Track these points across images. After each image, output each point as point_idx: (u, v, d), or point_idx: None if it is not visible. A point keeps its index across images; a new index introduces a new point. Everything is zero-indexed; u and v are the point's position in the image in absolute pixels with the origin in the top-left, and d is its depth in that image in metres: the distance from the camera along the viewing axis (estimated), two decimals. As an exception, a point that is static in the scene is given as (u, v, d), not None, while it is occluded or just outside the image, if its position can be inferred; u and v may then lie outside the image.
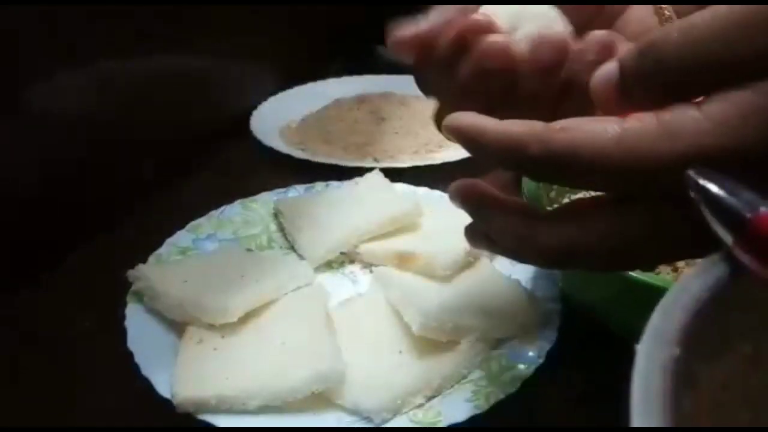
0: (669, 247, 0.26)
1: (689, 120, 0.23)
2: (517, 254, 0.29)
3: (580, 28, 0.32)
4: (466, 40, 0.30)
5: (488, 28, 0.30)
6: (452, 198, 0.31)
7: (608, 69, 0.26)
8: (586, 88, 0.28)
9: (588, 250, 0.27)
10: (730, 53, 0.23)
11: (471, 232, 0.32)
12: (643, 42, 0.25)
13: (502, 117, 0.28)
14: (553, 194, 0.48)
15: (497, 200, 0.30)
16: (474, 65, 0.30)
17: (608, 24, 0.37)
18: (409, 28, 0.30)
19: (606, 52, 0.29)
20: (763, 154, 0.23)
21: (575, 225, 0.27)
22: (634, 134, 0.24)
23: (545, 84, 0.30)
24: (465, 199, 0.30)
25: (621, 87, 0.25)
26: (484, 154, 0.28)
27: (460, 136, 0.28)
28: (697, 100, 0.24)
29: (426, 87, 0.33)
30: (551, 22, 0.31)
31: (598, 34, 0.29)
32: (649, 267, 0.40)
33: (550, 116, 0.29)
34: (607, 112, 0.26)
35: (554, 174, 0.27)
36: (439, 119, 0.32)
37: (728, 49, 0.23)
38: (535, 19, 0.31)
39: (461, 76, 0.31)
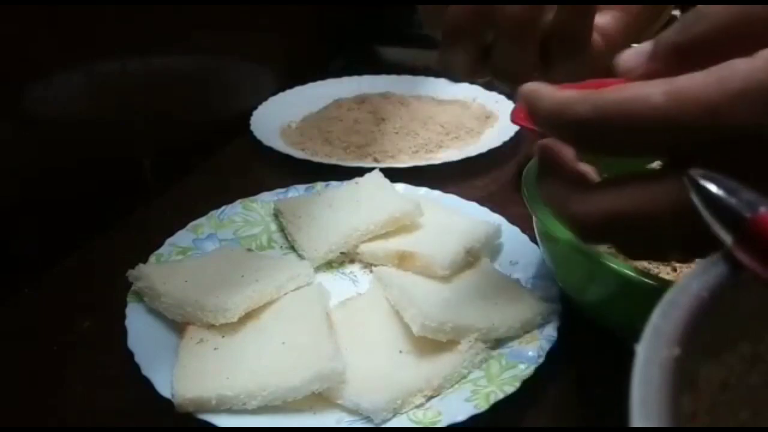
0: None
1: (739, 63, 0.24)
2: (559, 219, 0.31)
3: None
4: None
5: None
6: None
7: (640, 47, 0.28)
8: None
9: (626, 218, 0.27)
10: None
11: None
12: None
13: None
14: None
15: (556, 161, 0.31)
16: None
17: None
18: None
19: None
20: None
21: (613, 193, 0.28)
22: (683, 83, 0.24)
23: None
24: (539, 156, 0.32)
25: (653, 52, 0.27)
26: (539, 119, 0.29)
27: (521, 98, 0.30)
28: None
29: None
30: None
31: None
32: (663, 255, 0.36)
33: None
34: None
35: (603, 135, 0.27)
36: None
37: None
38: None
39: None
